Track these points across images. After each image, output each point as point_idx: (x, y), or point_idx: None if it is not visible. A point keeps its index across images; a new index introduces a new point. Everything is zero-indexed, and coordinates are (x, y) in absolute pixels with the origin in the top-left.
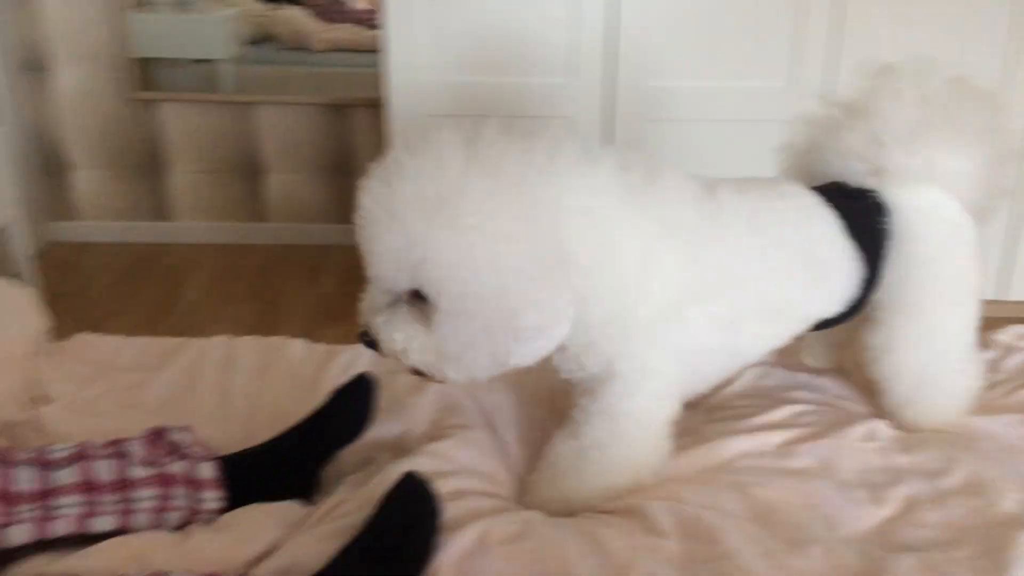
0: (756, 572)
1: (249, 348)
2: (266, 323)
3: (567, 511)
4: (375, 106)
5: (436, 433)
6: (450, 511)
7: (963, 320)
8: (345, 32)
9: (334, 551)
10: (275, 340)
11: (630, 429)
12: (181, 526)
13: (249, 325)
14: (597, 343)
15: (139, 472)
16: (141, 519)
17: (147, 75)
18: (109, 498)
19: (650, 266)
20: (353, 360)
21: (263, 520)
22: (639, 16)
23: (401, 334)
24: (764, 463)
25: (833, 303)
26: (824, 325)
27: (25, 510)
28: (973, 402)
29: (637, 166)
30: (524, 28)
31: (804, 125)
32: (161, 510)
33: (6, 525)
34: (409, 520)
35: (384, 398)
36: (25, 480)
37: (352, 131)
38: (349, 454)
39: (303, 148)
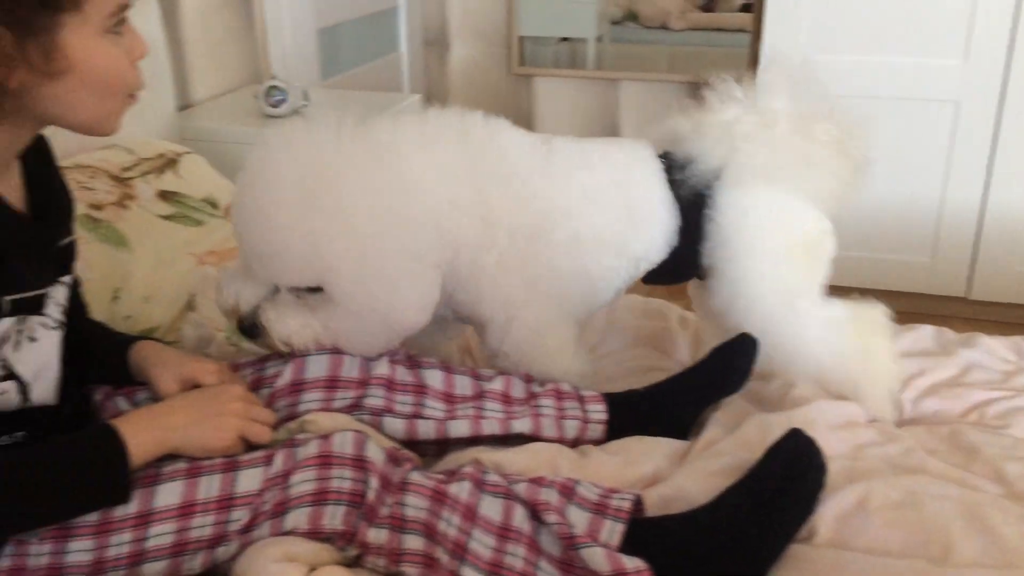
0: None
1: (628, 306)
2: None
3: None
4: None
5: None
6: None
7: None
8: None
9: (718, 489)
10: (654, 301)
11: (522, 360)
12: (575, 442)
13: None
14: (455, 294)
15: (539, 388)
16: (546, 424)
17: (522, 52)
18: (521, 408)
19: (492, 217)
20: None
21: (650, 449)
22: None
23: (295, 322)
24: None
25: (654, 245)
26: (661, 277)
27: (463, 409)
28: None
29: (476, 127)
30: (915, 4)
31: (680, 111)
32: (560, 418)
33: (449, 419)
34: (796, 473)
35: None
36: (463, 386)
37: None
38: None
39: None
